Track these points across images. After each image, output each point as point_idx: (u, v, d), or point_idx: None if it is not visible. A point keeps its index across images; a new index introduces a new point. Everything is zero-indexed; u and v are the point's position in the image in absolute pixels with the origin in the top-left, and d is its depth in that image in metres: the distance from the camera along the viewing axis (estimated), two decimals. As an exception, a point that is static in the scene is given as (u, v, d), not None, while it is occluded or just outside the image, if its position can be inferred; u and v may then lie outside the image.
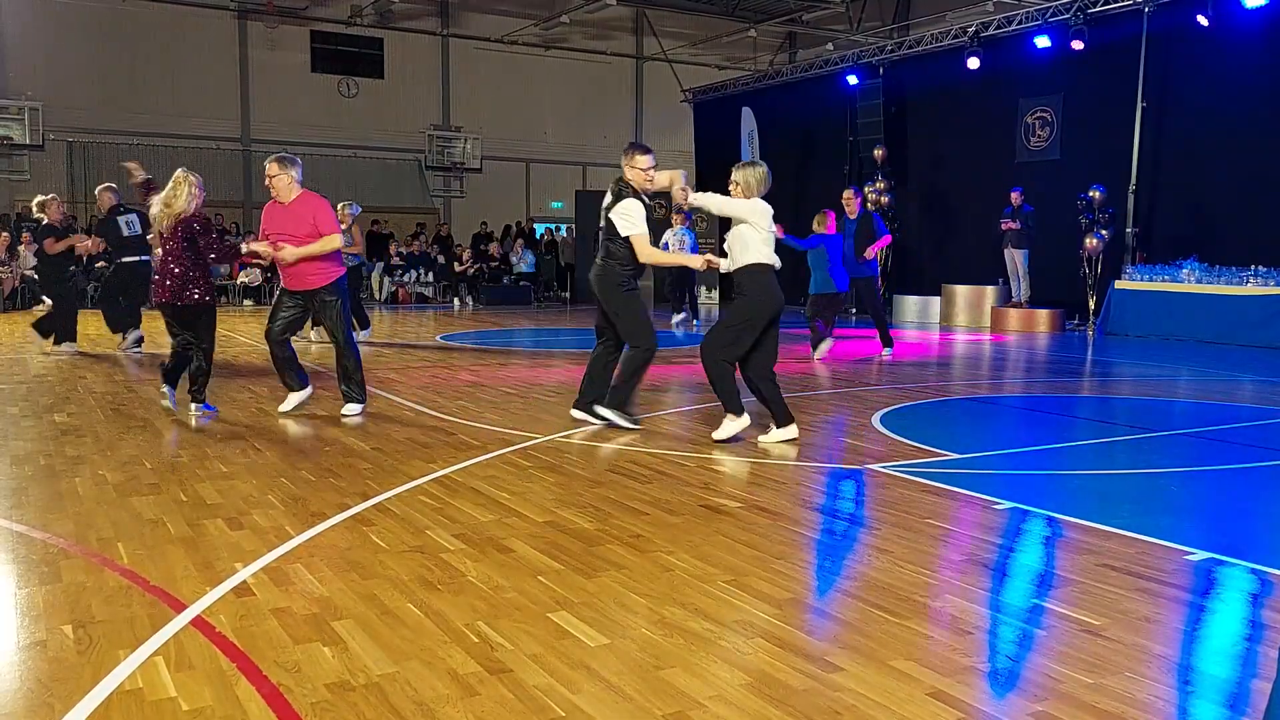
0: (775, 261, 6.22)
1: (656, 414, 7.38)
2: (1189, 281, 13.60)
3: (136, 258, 10.90)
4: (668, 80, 25.54)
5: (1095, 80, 15.25)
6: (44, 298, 11.43)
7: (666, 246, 14.77)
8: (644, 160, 6.53)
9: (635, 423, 6.71)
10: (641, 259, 6.55)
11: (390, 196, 24.32)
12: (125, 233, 10.80)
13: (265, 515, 4.56)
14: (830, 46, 24.16)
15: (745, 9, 25.31)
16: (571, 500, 4.89)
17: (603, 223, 6.67)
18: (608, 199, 6.63)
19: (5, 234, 10.95)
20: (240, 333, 13.94)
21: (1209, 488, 5.39)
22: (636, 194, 6.55)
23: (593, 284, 6.69)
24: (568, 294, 23.28)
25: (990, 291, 16.06)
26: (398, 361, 10.62)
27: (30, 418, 7.03)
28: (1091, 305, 14.71)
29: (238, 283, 20.16)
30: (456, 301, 20.84)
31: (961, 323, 16.29)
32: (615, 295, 6.62)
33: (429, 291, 21.64)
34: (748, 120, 20.83)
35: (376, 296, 20.66)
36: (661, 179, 6.58)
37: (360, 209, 12.81)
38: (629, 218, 6.48)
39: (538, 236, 24.47)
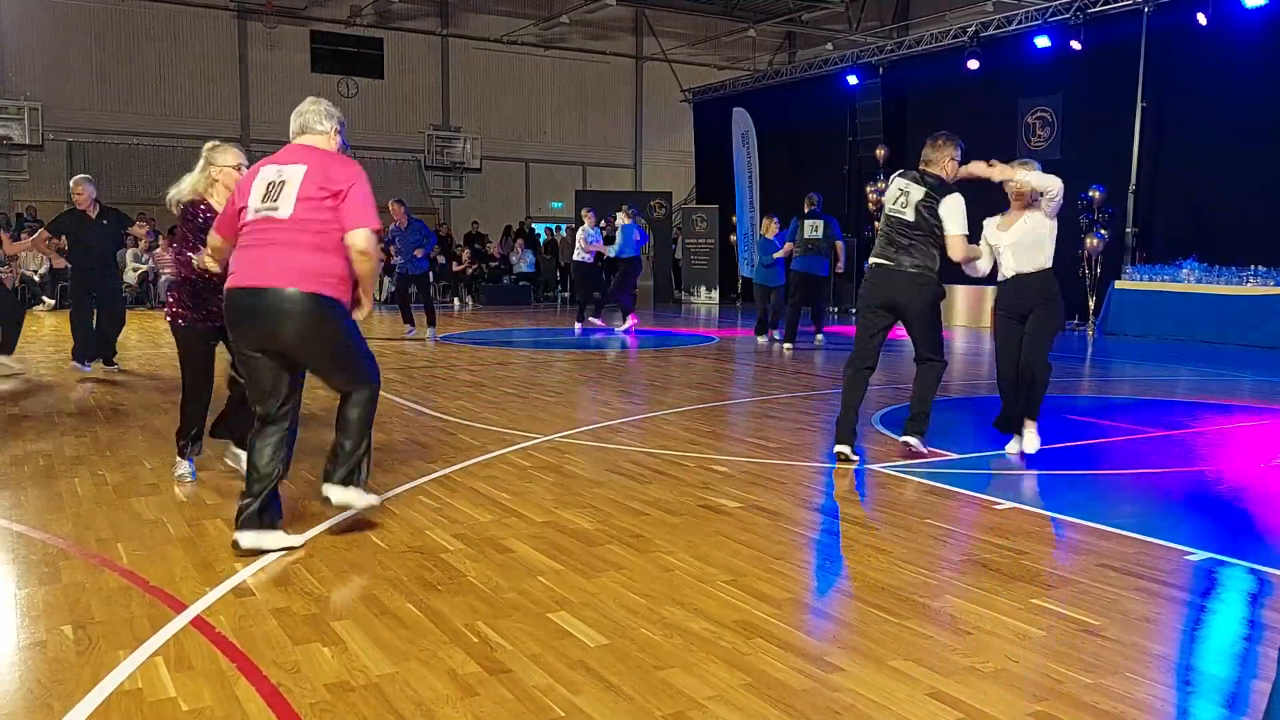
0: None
1: (656, 414, 7.38)
2: (1189, 281, 13.60)
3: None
4: (667, 80, 25.54)
5: (1095, 80, 15.25)
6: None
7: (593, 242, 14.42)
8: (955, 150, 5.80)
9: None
10: (959, 258, 5.76)
11: (390, 196, 24.28)
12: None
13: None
14: (830, 46, 24.16)
15: (744, 9, 25.32)
16: (571, 500, 4.89)
17: (907, 216, 5.70)
18: (914, 190, 5.69)
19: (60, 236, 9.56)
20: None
21: (1209, 488, 5.38)
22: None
23: (901, 290, 5.70)
24: (568, 294, 23.27)
25: (990, 291, 16.00)
26: (398, 361, 10.62)
27: (30, 418, 7.03)
28: (1091, 305, 14.71)
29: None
30: (456, 301, 20.84)
31: (962, 323, 16.29)
32: (933, 307, 5.80)
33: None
34: (741, 121, 20.81)
35: (377, 296, 20.67)
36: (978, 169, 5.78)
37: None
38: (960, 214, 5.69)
39: (538, 237, 24.45)
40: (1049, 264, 5.94)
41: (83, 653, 3.04)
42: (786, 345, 11.85)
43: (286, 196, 3.95)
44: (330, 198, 3.96)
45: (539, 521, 4.51)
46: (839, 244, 12.09)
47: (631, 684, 2.85)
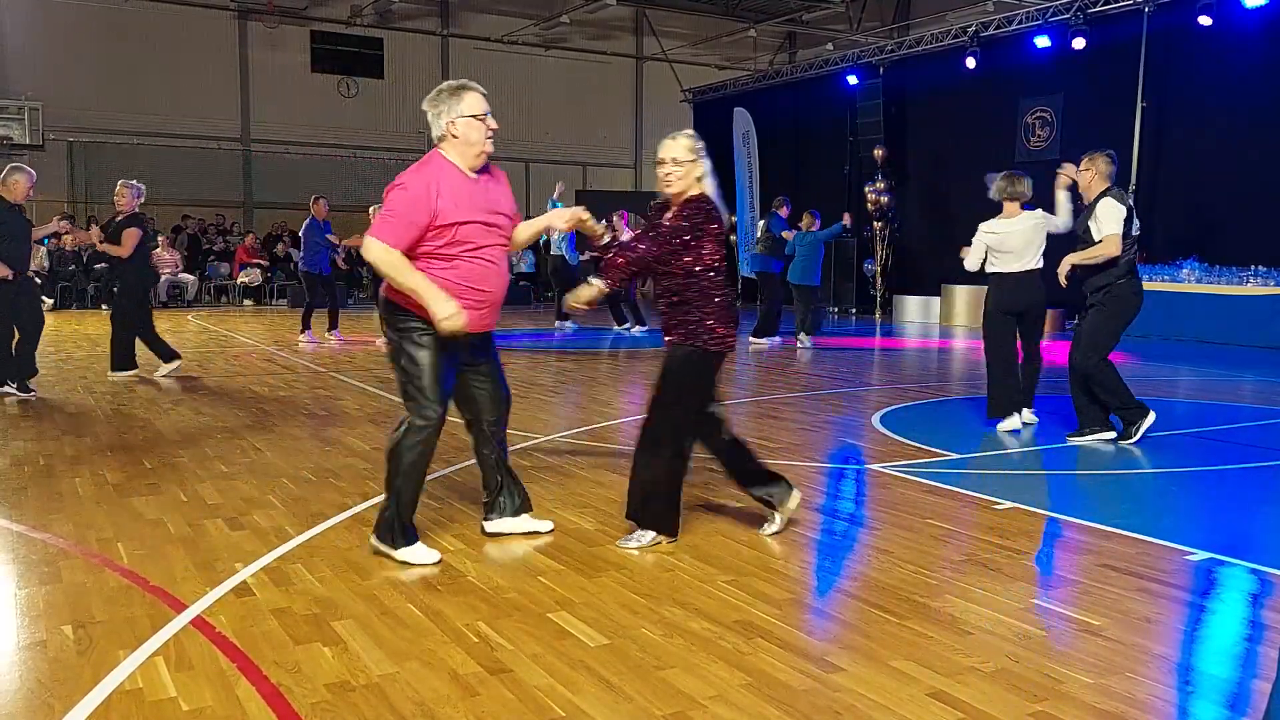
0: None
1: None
2: (1189, 281, 13.59)
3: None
4: (668, 80, 25.52)
5: (1095, 80, 15.24)
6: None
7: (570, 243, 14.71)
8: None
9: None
10: (1113, 253, 6.45)
11: (390, 196, 24.36)
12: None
13: (265, 515, 4.56)
14: (830, 46, 24.16)
15: (745, 9, 25.31)
16: (571, 500, 4.89)
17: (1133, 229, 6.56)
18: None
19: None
20: (241, 332, 13.93)
21: (1209, 488, 5.39)
22: None
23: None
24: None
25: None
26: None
27: (30, 418, 7.03)
28: (1092, 305, 14.70)
29: (238, 282, 20.17)
30: (457, 301, 20.83)
31: (962, 323, 16.28)
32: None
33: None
34: (741, 121, 20.79)
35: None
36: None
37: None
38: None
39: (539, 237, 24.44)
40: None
41: (83, 652, 3.04)
42: (758, 340, 12.39)
43: None
44: None
45: (539, 521, 4.50)
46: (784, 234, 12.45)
47: (632, 684, 2.85)
